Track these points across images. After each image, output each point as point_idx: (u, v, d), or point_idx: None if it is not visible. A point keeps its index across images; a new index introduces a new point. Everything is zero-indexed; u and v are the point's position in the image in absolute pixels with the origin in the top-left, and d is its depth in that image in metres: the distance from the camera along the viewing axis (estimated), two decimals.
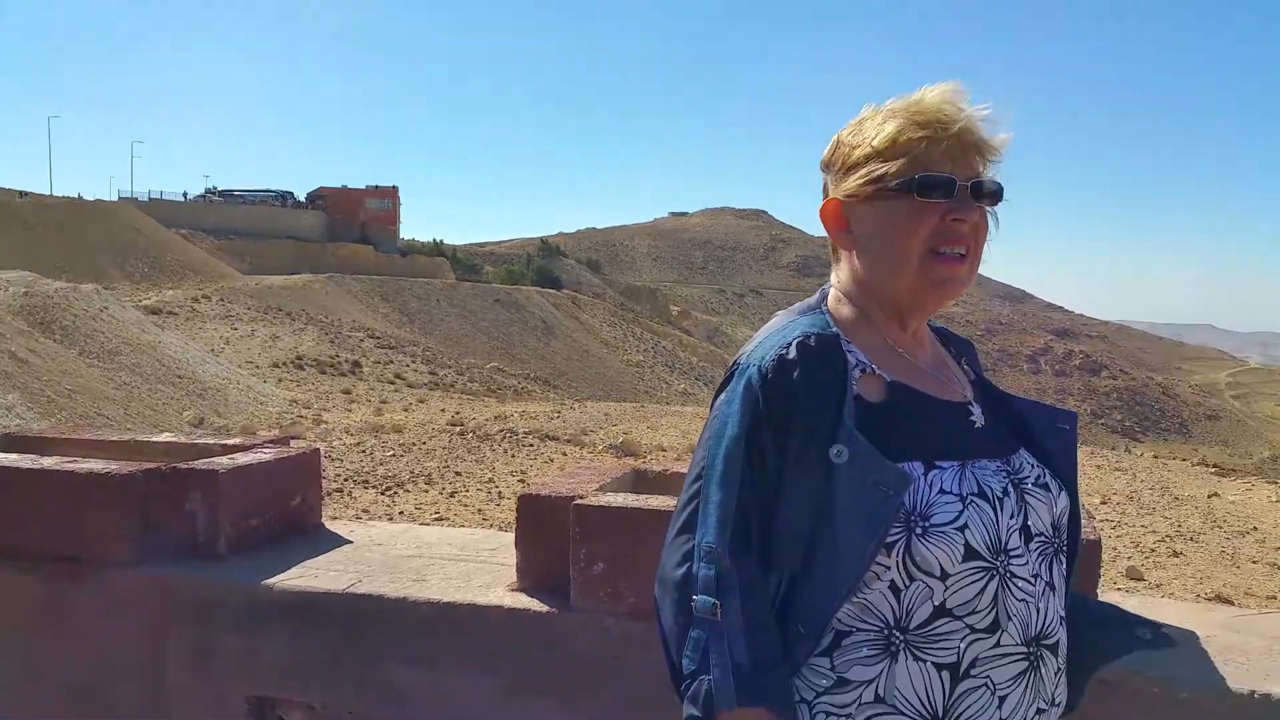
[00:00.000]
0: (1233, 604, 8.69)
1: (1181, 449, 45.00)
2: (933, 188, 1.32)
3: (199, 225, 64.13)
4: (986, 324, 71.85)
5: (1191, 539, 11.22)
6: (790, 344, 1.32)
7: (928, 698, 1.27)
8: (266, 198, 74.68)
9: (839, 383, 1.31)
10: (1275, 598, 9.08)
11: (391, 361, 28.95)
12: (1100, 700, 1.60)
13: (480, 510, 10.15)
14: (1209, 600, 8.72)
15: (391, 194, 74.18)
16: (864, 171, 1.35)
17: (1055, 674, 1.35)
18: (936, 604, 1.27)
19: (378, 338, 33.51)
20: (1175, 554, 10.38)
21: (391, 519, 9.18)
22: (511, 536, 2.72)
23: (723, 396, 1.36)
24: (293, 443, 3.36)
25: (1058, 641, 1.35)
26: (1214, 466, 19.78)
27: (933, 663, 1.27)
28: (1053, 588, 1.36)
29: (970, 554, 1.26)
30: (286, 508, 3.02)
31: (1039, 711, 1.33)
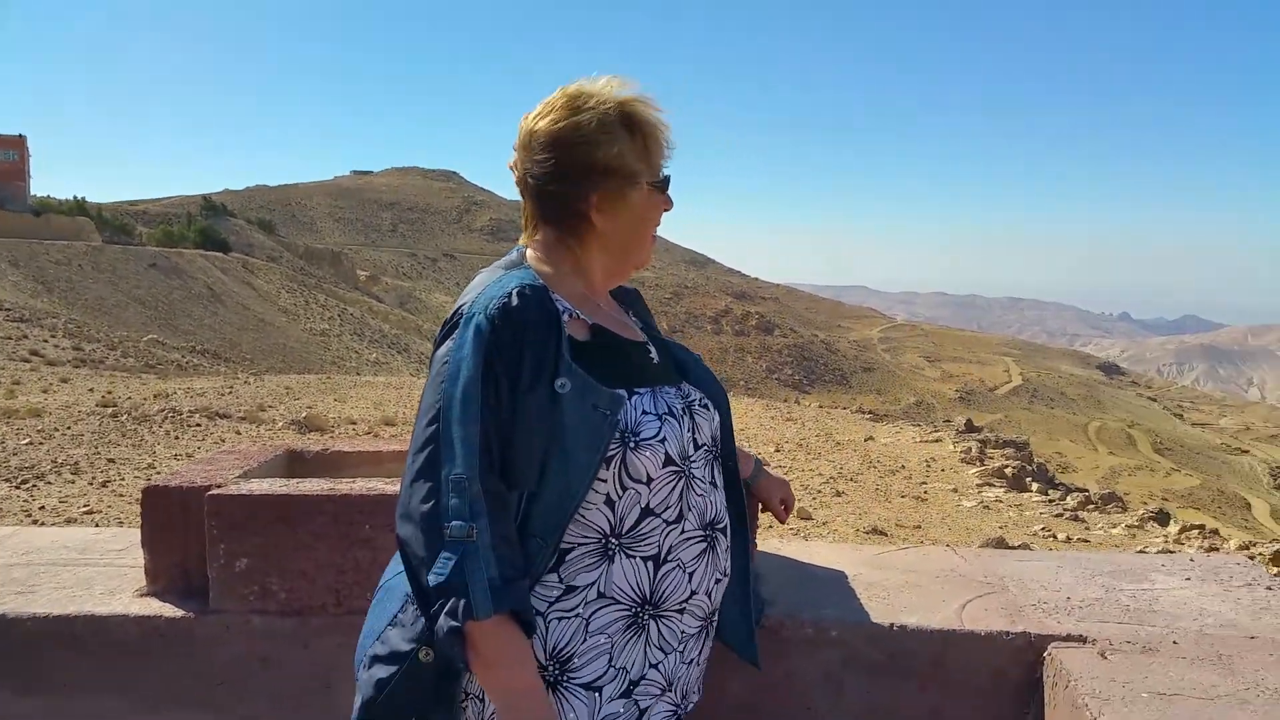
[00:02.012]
0: (885, 535, 9.61)
1: (843, 398, 50.02)
2: (665, 186, 1.64)
3: None
4: (674, 287, 75.40)
5: (852, 479, 12.33)
6: (511, 293, 1.50)
7: (638, 585, 1.54)
8: None
9: (554, 325, 1.51)
10: (920, 527, 10.17)
11: (26, 336, 25.20)
12: (761, 647, 1.80)
13: (139, 500, 8.99)
14: (866, 533, 9.59)
15: (18, 144, 64.20)
16: (635, 170, 1.59)
17: (725, 551, 1.67)
18: (643, 506, 1.53)
19: (7, 310, 29.11)
20: (838, 494, 11.35)
21: (31, 516, 7.92)
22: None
23: (448, 345, 1.49)
24: None
25: (725, 526, 1.67)
26: (869, 413, 22.03)
27: (640, 557, 1.54)
28: (715, 485, 1.67)
29: (668, 461, 1.55)
30: None
31: (716, 581, 1.65)
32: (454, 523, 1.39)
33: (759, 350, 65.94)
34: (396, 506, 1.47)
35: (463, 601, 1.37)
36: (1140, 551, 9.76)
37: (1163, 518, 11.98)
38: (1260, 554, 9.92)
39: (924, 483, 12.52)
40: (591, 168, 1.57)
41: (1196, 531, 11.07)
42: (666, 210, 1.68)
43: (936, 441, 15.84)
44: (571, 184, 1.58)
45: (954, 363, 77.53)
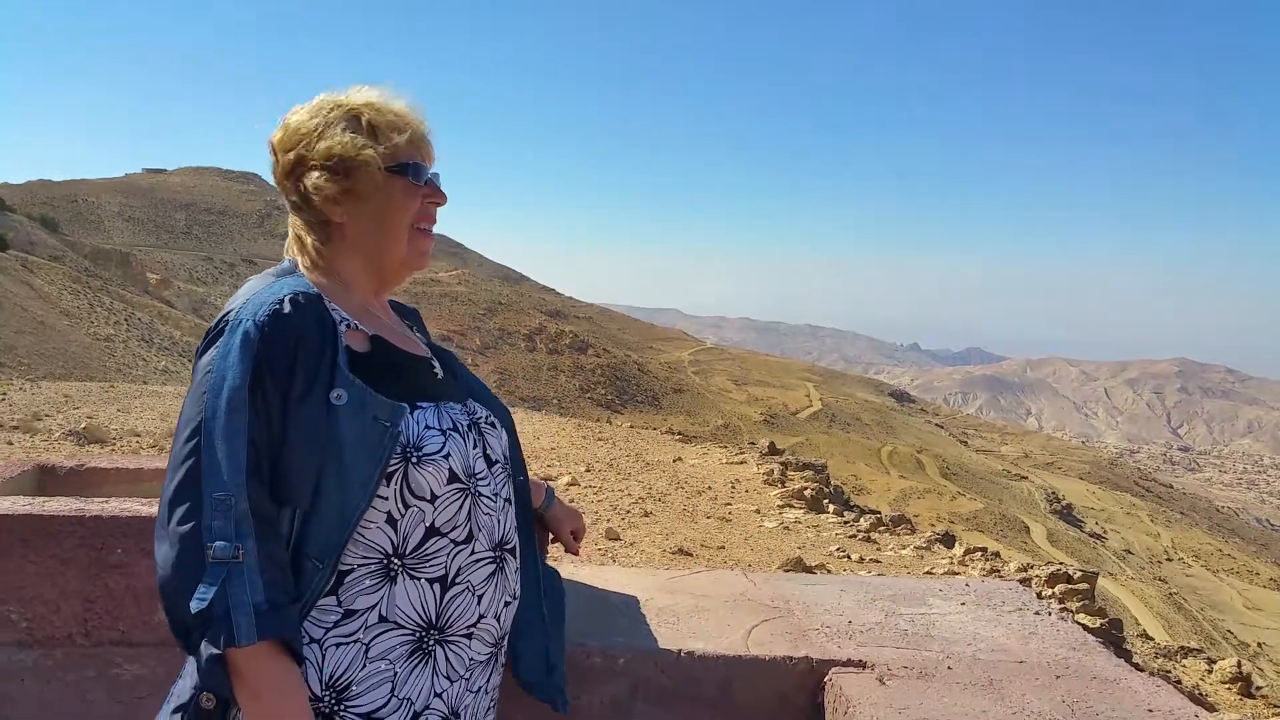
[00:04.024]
0: (690, 554, 9.78)
1: (654, 419, 50.79)
2: (421, 173, 1.57)
3: None
4: (488, 303, 74.55)
5: (660, 499, 12.49)
6: (283, 299, 1.42)
7: (423, 608, 1.47)
8: None
9: (330, 335, 1.44)
10: (724, 547, 10.41)
11: None
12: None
13: None
14: (673, 553, 9.73)
15: None
16: (365, 154, 1.52)
17: (514, 572, 1.63)
18: (428, 525, 1.47)
19: None
20: (646, 514, 11.46)
21: None
22: None
23: (213, 352, 1.40)
24: None
25: (514, 546, 1.62)
26: (679, 434, 22.44)
27: (426, 578, 1.48)
28: (509, 503, 1.63)
29: (452, 478, 1.49)
30: None
31: (506, 604, 1.60)
32: (217, 544, 1.31)
33: (572, 369, 66.17)
34: (155, 527, 1.37)
35: (225, 628, 1.29)
36: (928, 572, 10.36)
37: (948, 540, 12.79)
38: (1037, 575, 10.74)
39: (729, 504, 12.84)
40: (318, 159, 1.53)
41: (979, 554, 11.88)
42: (434, 203, 1.61)
43: (741, 463, 16.31)
44: (305, 180, 1.55)
45: (759, 386, 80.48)
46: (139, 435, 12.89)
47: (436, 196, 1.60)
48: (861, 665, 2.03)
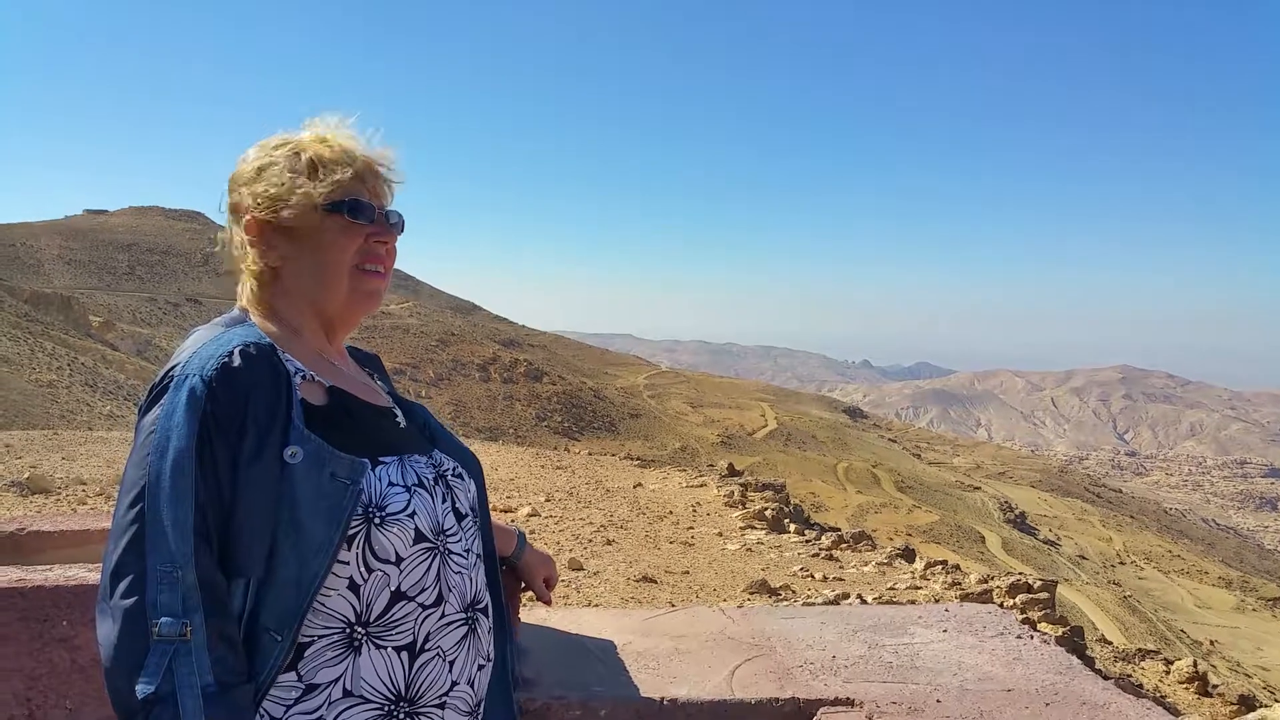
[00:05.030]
0: (655, 582, 9.69)
1: (612, 445, 50.63)
2: (361, 211, 1.47)
3: None
4: (440, 334, 73.89)
5: (622, 526, 12.39)
6: (232, 352, 1.34)
7: (390, 680, 1.37)
8: None
9: (283, 388, 1.37)
10: (688, 572, 10.34)
11: None
12: None
13: None
14: (637, 581, 9.63)
15: None
16: (300, 194, 1.44)
17: (488, 633, 1.54)
18: (393, 589, 1.38)
19: None
20: (609, 542, 11.35)
21: None
22: None
23: (157, 410, 1.31)
24: None
25: (487, 605, 1.55)
26: (637, 459, 22.43)
27: (393, 647, 1.38)
28: (481, 558, 1.56)
29: (419, 537, 1.41)
30: None
31: (479, 668, 1.50)
32: (163, 620, 1.22)
33: (528, 398, 65.78)
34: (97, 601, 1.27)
35: (170, 713, 1.21)
36: (890, 588, 10.38)
37: (909, 554, 12.85)
38: (998, 586, 10.81)
39: (691, 527, 12.78)
40: (253, 200, 1.47)
41: (940, 566, 11.94)
42: (381, 241, 1.51)
43: (701, 486, 16.28)
44: (243, 221, 1.48)
45: (715, 408, 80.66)
46: (85, 484, 12.49)
47: (383, 234, 1.50)
48: (850, 703, 1.97)
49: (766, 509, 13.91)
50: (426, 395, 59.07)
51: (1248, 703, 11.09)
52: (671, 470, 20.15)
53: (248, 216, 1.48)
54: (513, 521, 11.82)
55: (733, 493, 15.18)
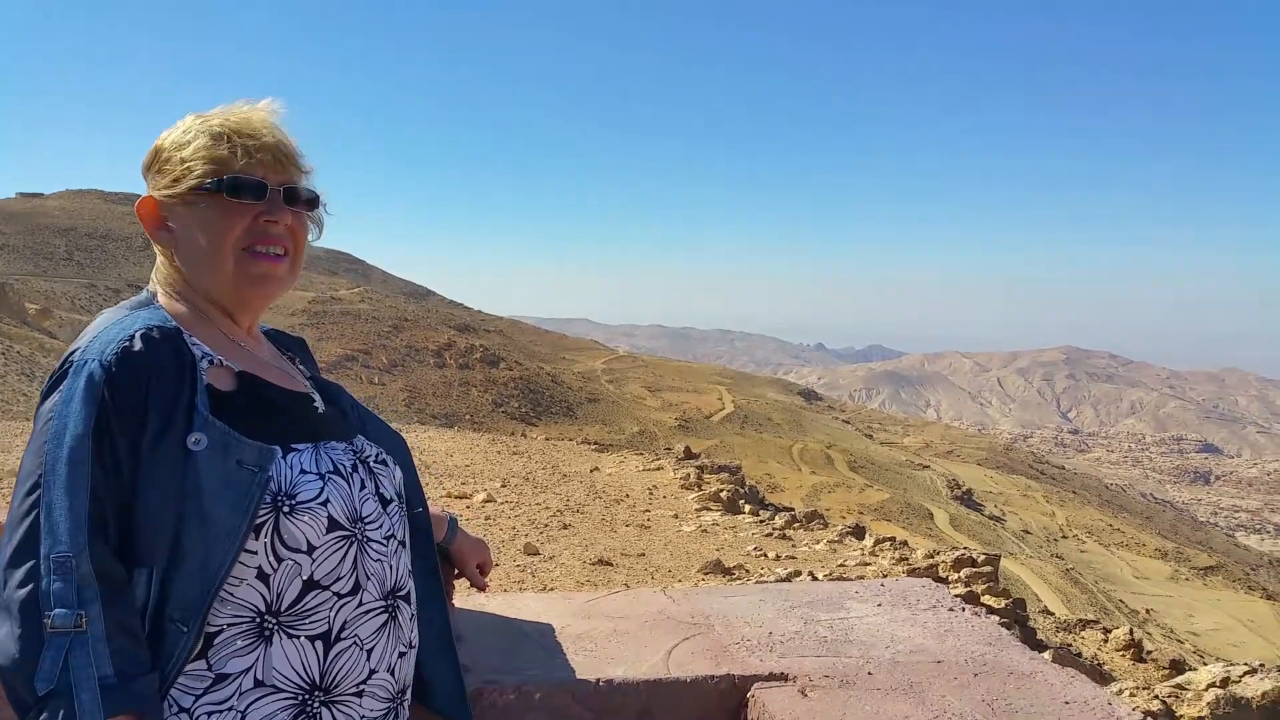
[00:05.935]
0: (611, 564, 9.73)
1: (569, 430, 50.54)
2: (242, 189, 1.41)
3: None
4: (394, 320, 73.00)
5: (578, 510, 12.41)
6: (133, 335, 1.32)
7: (304, 669, 1.36)
8: None
9: (188, 373, 1.34)
10: (644, 554, 10.39)
11: None
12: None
13: None
14: (593, 564, 9.66)
15: None
16: (178, 173, 1.42)
17: (410, 620, 1.52)
18: (305, 579, 1.36)
19: None
20: (565, 526, 11.37)
21: None
22: None
23: (56, 397, 1.29)
24: None
25: (409, 591, 1.52)
26: (595, 444, 22.43)
27: (306, 636, 1.36)
28: (404, 545, 1.53)
29: (333, 525, 1.38)
30: None
31: (400, 655, 1.48)
32: (57, 611, 1.20)
33: (484, 383, 65.28)
34: None
35: (66, 706, 1.18)
36: (840, 565, 10.53)
37: (859, 532, 13.03)
38: (944, 561, 11.02)
39: (647, 510, 12.84)
40: (156, 179, 1.47)
41: (889, 543, 12.14)
42: (270, 221, 1.44)
43: (658, 469, 16.34)
44: (150, 199, 1.48)
45: (673, 392, 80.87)
46: None
47: (272, 213, 1.44)
48: (783, 678, 2.00)
49: (722, 490, 14.01)
50: (380, 382, 58.48)
51: (1178, 666, 11.48)
52: (629, 454, 20.20)
53: (153, 195, 1.48)
54: (468, 508, 11.76)
55: (689, 475, 15.27)
